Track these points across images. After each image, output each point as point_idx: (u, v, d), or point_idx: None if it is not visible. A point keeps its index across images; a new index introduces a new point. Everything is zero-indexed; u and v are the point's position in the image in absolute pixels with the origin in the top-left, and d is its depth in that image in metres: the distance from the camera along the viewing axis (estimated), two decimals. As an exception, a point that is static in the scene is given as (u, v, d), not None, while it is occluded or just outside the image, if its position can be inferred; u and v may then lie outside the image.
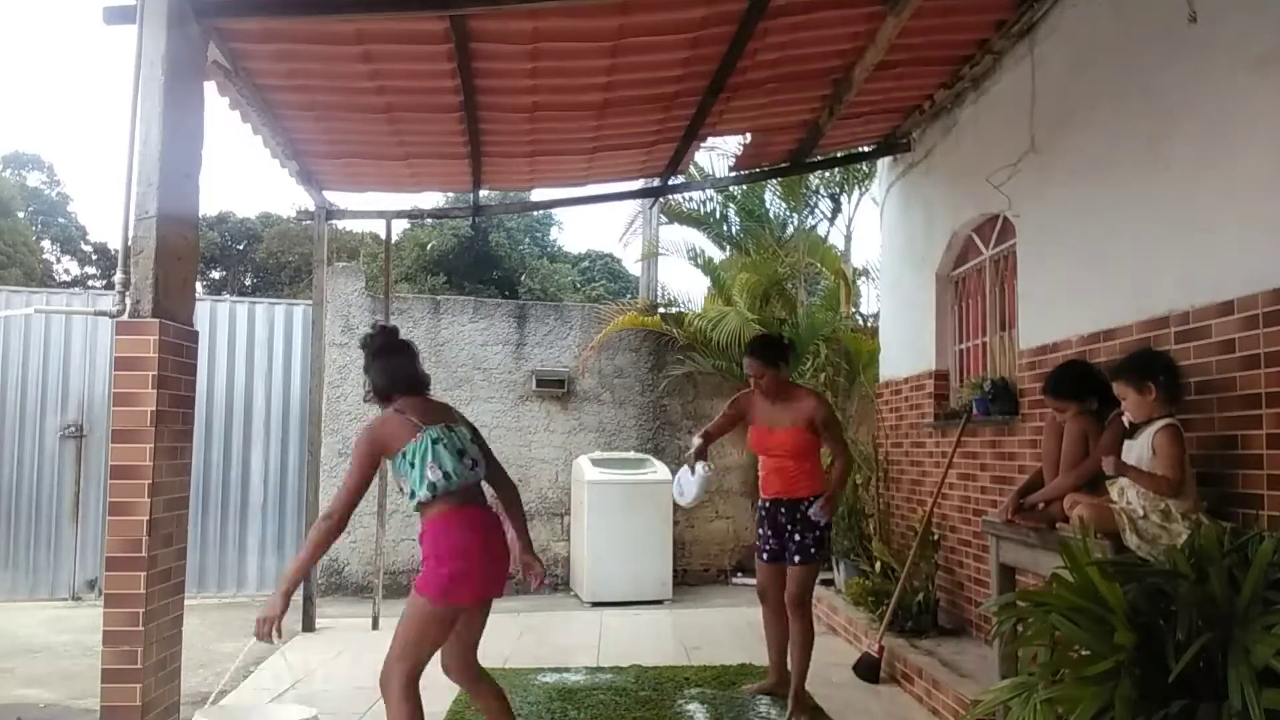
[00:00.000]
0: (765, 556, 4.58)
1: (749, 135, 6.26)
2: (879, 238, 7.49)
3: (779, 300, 9.27)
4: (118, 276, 3.40)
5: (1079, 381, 3.72)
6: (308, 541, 3.19)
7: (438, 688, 4.95)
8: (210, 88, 4.20)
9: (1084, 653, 2.44)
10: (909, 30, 4.55)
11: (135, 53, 3.40)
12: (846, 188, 9.67)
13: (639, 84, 4.93)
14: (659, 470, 8.00)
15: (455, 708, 4.49)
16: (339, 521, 3.08)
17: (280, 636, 3.12)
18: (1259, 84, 3.13)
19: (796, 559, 4.40)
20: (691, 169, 7.94)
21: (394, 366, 3.32)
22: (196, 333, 3.65)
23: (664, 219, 10.12)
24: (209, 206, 27.65)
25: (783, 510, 4.47)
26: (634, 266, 11.55)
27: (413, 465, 3.11)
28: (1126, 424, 3.36)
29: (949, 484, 5.78)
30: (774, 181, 9.10)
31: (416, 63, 4.49)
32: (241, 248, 27.43)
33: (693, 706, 4.57)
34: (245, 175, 48.55)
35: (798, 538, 4.40)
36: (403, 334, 3.54)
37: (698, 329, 8.68)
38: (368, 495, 8.89)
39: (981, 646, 4.87)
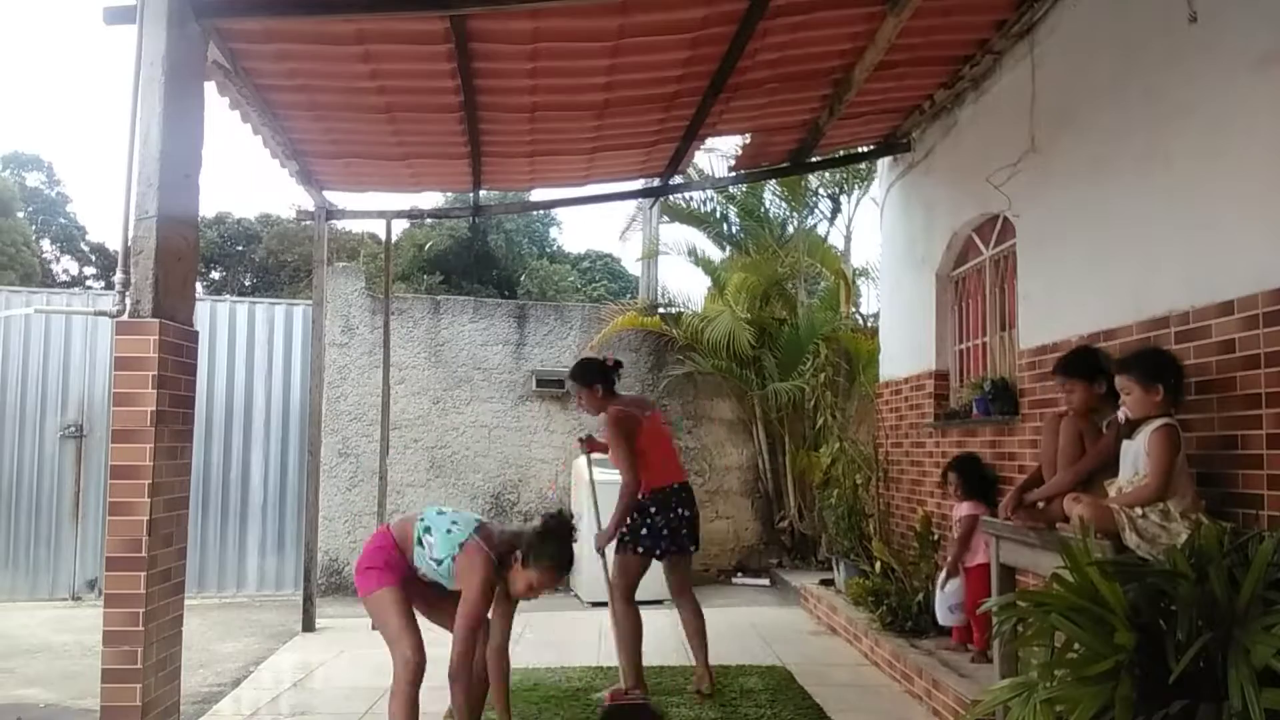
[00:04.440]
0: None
1: (749, 135, 6.27)
2: (879, 238, 7.49)
3: (779, 300, 9.28)
4: (118, 276, 3.40)
5: (1092, 364, 3.72)
6: None
7: (440, 689, 4.96)
8: (210, 88, 4.20)
9: (1084, 652, 2.44)
10: (909, 30, 4.55)
11: (135, 53, 3.40)
12: (846, 188, 9.67)
13: (639, 84, 4.93)
14: (659, 470, 7.98)
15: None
16: None
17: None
18: (1259, 84, 3.13)
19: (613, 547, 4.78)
20: (691, 169, 7.94)
21: None
22: (196, 333, 3.65)
23: (664, 219, 10.13)
24: (208, 206, 27.64)
25: None
26: (634, 266, 11.58)
27: None
28: (1122, 419, 3.36)
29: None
30: (774, 181, 9.11)
31: (416, 63, 4.49)
32: (241, 248, 27.43)
33: (692, 706, 4.57)
34: (245, 175, 48.56)
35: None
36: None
37: (697, 329, 8.69)
38: (367, 495, 8.85)
39: (981, 646, 4.87)
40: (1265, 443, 3.05)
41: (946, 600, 4.81)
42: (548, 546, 3.47)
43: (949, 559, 4.89)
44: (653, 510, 4.65)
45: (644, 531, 4.64)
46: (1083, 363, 3.75)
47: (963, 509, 4.87)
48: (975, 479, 4.96)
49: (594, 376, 4.76)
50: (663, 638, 6.33)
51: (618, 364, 4.88)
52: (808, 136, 6.13)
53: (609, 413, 4.70)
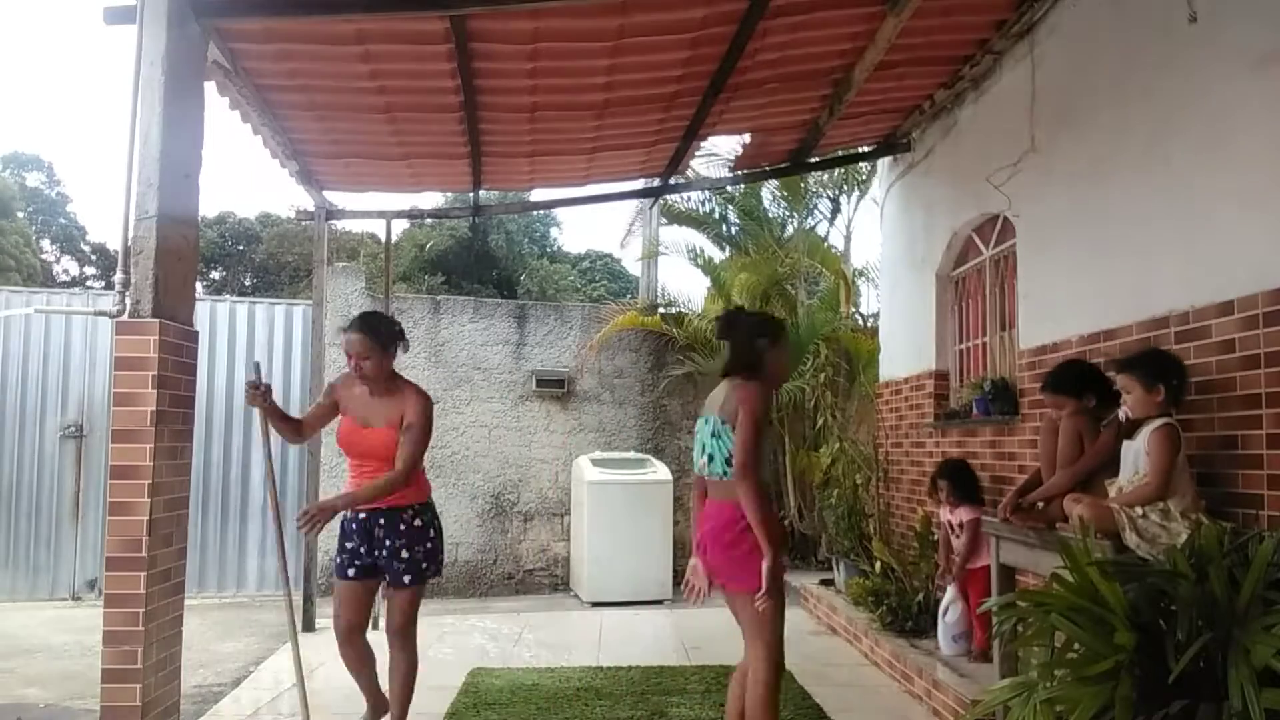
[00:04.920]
0: (351, 572, 3.75)
1: (749, 135, 6.27)
2: (879, 238, 7.49)
3: (779, 300, 9.27)
4: (118, 276, 3.40)
5: (1079, 379, 3.72)
6: None
7: (439, 689, 4.97)
8: (210, 88, 4.20)
9: (1084, 652, 2.44)
10: (909, 30, 4.55)
11: (135, 53, 3.40)
12: (846, 188, 9.68)
13: (639, 84, 4.93)
14: (659, 470, 8.00)
15: (454, 708, 4.50)
16: None
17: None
18: (1259, 84, 3.14)
19: (406, 579, 3.69)
20: (691, 169, 7.94)
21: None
22: (196, 333, 3.64)
23: (664, 219, 10.13)
24: (209, 206, 27.65)
25: (382, 522, 3.70)
26: (634, 266, 11.59)
27: None
28: (1123, 418, 3.36)
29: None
30: (774, 182, 9.11)
31: (416, 63, 4.49)
32: (241, 248, 27.45)
33: (692, 706, 4.57)
34: (245, 175, 48.57)
35: (405, 554, 3.68)
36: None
37: (697, 329, 8.69)
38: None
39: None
40: (1265, 443, 3.05)
41: (949, 631, 4.80)
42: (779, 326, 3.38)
43: (955, 566, 4.89)
44: (436, 525, 3.83)
45: (442, 552, 3.88)
46: (1070, 380, 3.74)
47: (963, 514, 4.88)
48: (966, 483, 4.99)
49: (396, 340, 3.76)
50: (663, 637, 6.34)
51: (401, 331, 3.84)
52: (808, 136, 6.13)
53: (418, 393, 3.73)
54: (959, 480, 5.00)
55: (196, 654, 5.63)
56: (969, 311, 5.92)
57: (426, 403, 3.73)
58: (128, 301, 3.35)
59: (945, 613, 4.82)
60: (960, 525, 4.89)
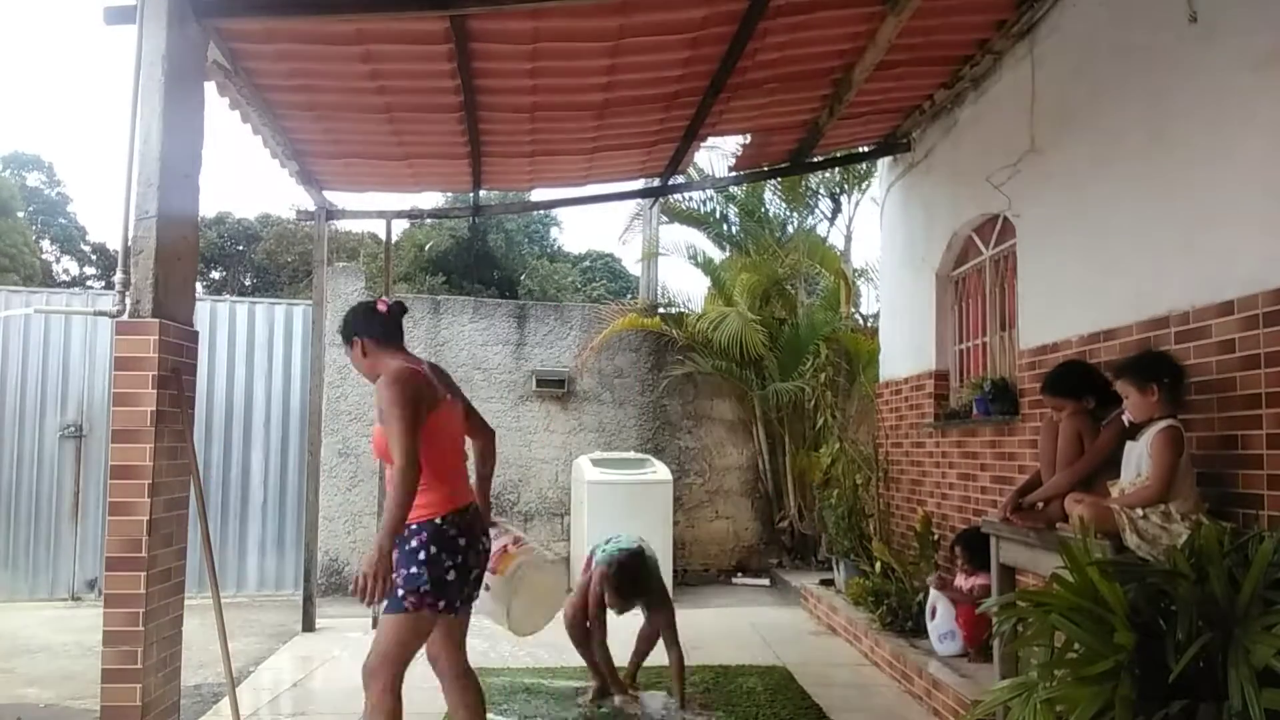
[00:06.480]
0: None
1: (749, 135, 6.27)
2: (879, 238, 7.49)
3: (779, 300, 9.28)
4: (118, 276, 3.40)
5: (1078, 380, 3.72)
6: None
7: (439, 689, 4.96)
8: (210, 88, 4.20)
9: (1084, 652, 2.44)
10: (909, 30, 4.55)
11: (135, 53, 3.40)
12: (846, 188, 9.68)
13: (639, 84, 4.93)
14: (659, 470, 7.99)
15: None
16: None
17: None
18: (1259, 84, 3.14)
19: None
20: (691, 169, 7.94)
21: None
22: (196, 333, 3.65)
23: (664, 219, 10.13)
24: (209, 207, 27.64)
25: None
26: (634, 266, 11.60)
27: None
28: (1126, 423, 3.37)
29: (949, 484, 5.78)
30: (774, 181, 9.11)
31: (416, 63, 4.49)
32: (241, 248, 27.44)
33: (692, 706, 4.56)
34: (245, 175, 48.58)
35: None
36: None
37: (698, 329, 8.69)
38: (367, 495, 8.77)
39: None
40: (1265, 443, 3.05)
41: (937, 630, 4.79)
42: None
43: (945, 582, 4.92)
44: (461, 542, 3.12)
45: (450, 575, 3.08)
46: (1069, 381, 3.74)
47: (978, 581, 4.80)
48: (985, 551, 4.91)
49: (354, 332, 3.29)
50: (663, 638, 6.34)
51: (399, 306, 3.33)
52: (807, 136, 6.13)
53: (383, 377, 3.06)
54: (976, 548, 4.77)
55: (196, 654, 5.62)
56: (969, 311, 5.92)
57: (386, 382, 3.01)
58: (128, 301, 3.35)
59: (932, 614, 4.82)
60: (973, 591, 4.80)
